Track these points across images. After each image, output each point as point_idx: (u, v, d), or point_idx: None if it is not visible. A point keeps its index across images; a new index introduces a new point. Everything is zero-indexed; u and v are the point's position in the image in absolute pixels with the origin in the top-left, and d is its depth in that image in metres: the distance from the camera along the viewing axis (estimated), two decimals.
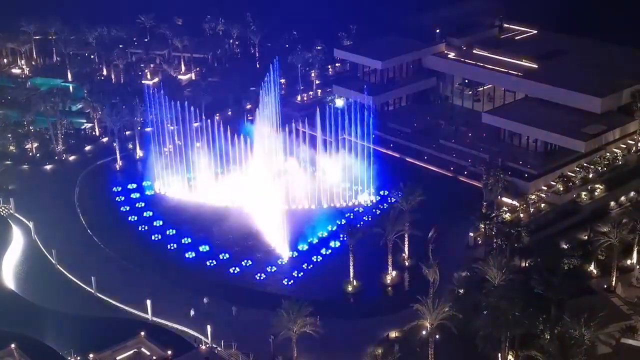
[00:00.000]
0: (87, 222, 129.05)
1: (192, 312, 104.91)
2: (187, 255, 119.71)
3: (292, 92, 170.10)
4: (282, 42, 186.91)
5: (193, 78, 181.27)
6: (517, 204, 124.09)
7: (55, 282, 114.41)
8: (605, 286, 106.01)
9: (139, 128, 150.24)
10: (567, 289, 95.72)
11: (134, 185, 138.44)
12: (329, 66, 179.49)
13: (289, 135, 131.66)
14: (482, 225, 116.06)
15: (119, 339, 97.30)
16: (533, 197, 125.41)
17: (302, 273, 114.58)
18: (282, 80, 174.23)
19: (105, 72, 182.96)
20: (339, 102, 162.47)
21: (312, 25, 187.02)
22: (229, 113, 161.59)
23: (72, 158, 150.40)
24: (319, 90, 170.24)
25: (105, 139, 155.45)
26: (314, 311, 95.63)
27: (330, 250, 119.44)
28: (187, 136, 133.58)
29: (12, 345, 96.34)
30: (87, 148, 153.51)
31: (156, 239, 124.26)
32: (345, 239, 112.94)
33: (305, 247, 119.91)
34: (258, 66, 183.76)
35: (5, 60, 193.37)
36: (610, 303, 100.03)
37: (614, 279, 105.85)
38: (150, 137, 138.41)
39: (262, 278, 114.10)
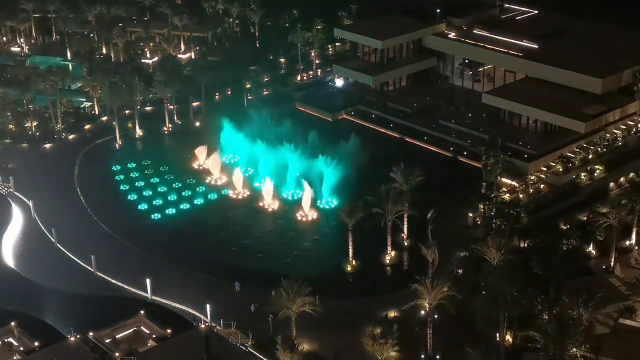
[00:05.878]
0: (86, 200, 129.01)
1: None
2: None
3: (292, 71, 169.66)
4: (282, 21, 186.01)
5: (193, 57, 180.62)
6: (516, 184, 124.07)
7: (55, 261, 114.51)
8: (604, 267, 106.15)
9: (138, 107, 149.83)
10: (565, 270, 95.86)
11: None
12: (329, 46, 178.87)
13: None
14: (482, 206, 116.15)
15: (118, 318, 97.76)
16: (532, 177, 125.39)
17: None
18: (282, 60, 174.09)
19: (104, 51, 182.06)
20: (339, 82, 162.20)
21: (312, 4, 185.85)
22: (229, 92, 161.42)
23: (71, 137, 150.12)
24: (319, 70, 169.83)
25: (104, 118, 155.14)
26: (313, 290, 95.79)
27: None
28: None
29: (12, 323, 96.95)
30: (87, 127, 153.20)
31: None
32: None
33: None
34: (258, 45, 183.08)
35: (4, 39, 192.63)
36: (609, 284, 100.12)
37: (612, 259, 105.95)
38: None
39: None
